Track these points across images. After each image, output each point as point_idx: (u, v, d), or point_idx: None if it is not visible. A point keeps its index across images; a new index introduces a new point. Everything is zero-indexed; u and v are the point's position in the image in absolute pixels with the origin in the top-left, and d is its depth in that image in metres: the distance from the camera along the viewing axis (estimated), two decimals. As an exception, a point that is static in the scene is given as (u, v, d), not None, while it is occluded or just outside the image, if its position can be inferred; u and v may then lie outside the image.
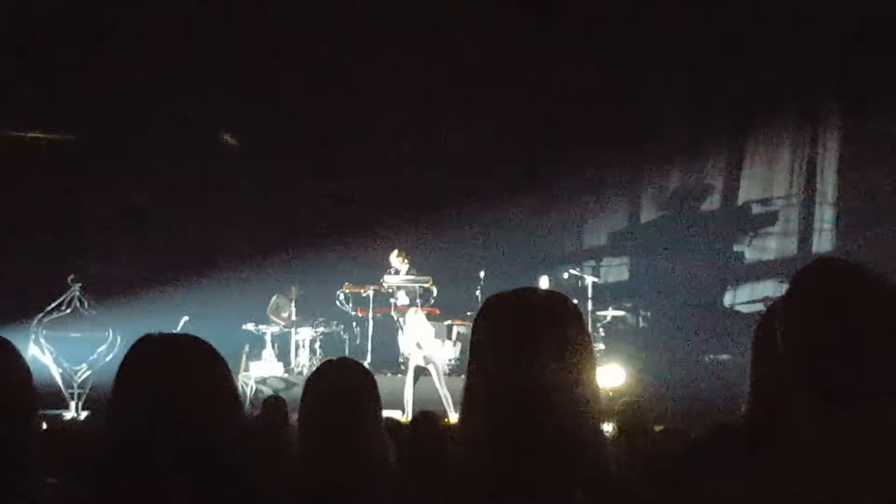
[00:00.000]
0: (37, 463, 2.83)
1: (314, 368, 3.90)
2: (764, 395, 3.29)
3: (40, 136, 16.95)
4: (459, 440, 2.55)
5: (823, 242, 17.47)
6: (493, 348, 2.52)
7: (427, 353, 14.63)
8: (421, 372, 14.57)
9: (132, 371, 2.70)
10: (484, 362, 2.51)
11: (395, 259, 16.63)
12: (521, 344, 2.46)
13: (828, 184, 17.74)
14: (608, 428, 10.23)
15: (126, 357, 2.74)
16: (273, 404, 9.54)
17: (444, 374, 14.78)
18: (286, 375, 15.92)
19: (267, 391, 14.48)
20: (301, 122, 17.66)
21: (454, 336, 16.66)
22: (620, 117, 17.34)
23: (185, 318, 14.29)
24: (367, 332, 16.37)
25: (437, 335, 16.52)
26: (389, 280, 16.62)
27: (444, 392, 14.20)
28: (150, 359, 2.73)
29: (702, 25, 16.72)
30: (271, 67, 17.14)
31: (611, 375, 15.32)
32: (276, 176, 17.38)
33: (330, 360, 3.88)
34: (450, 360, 15.90)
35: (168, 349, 2.75)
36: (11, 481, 2.80)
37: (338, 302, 16.82)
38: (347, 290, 16.86)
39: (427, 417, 8.81)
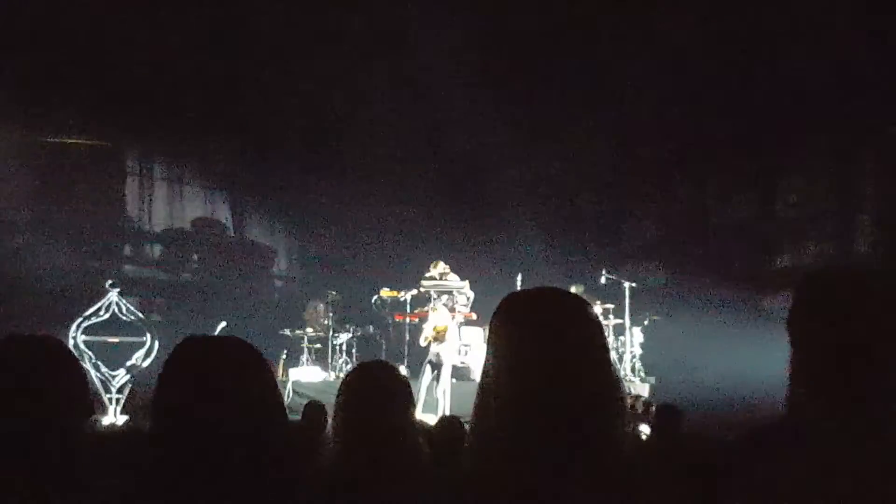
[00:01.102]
0: (86, 465, 2.84)
1: (348, 370, 3.92)
2: (799, 398, 3.33)
3: (81, 141, 17.03)
4: (471, 439, 2.55)
5: (861, 248, 17.36)
6: (508, 348, 2.51)
7: (441, 350, 14.64)
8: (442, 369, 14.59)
9: (176, 373, 2.69)
10: (499, 362, 2.51)
11: (434, 269, 16.66)
12: (537, 344, 2.46)
13: (866, 189, 17.64)
14: (645, 430, 10.22)
15: (169, 359, 2.73)
16: (313, 409, 9.58)
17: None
18: (323, 380, 15.95)
19: (304, 396, 14.51)
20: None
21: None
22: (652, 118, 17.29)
23: (223, 323, 14.35)
24: (404, 336, 16.38)
25: (474, 340, 16.55)
26: (426, 284, 16.63)
27: (440, 393, 14.24)
28: (194, 361, 2.71)
29: (727, 34, 16.72)
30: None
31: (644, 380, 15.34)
32: (308, 180, 17.39)
33: (365, 363, 3.89)
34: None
35: (212, 351, 2.73)
36: (64, 483, 2.82)
37: (374, 307, 16.84)
38: (384, 295, 16.88)
39: (449, 421, 8.85)
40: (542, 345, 2.45)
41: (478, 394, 2.53)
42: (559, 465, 2.37)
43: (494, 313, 2.60)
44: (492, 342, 2.56)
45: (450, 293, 16.54)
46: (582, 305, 2.57)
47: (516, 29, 17.32)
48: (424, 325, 15.06)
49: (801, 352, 2.40)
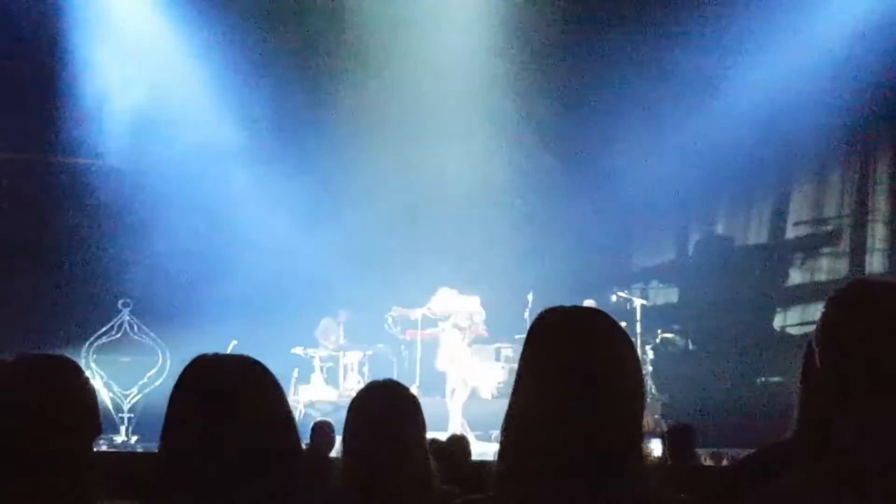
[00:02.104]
0: (94, 485, 2.84)
1: (359, 390, 3.91)
2: (810, 417, 3.27)
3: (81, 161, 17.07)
4: (501, 460, 2.50)
5: (876, 262, 17.33)
6: (544, 368, 2.48)
7: (461, 373, 14.65)
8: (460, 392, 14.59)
9: (187, 392, 2.69)
10: (536, 381, 2.47)
11: (443, 292, 16.68)
12: (577, 363, 2.43)
13: (879, 202, 17.61)
14: (657, 449, 10.19)
15: (180, 378, 2.72)
16: (321, 428, 9.58)
17: (493, 397, 14.79)
18: (334, 399, 15.95)
19: (315, 415, 14.51)
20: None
21: (502, 359, 16.64)
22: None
23: (234, 341, 14.34)
24: (416, 355, 16.35)
25: (485, 358, 16.53)
26: (437, 303, 16.61)
27: (458, 414, 14.27)
28: (204, 379, 2.70)
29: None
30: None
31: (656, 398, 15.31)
32: (323, 199, 17.39)
33: (375, 382, 3.88)
34: (498, 384, 15.88)
35: (223, 370, 2.73)
36: (72, 501, 2.80)
37: (386, 325, 16.81)
38: (396, 314, 16.86)
39: (456, 439, 8.89)
40: (578, 366, 2.43)
41: (509, 413, 2.50)
42: (590, 485, 2.34)
43: (531, 329, 2.55)
44: (526, 361, 2.52)
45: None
46: (616, 326, 2.55)
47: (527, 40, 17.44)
48: (438, 350, 15.09)
49: (831, 368, 2.31)
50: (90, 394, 2.98)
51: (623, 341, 2.52)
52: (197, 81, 17.16)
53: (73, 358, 3.03)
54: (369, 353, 16.97)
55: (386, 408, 3.67)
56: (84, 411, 2.91)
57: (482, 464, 9.24)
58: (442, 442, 8.48)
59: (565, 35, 17.35)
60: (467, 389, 14.61)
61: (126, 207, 16.85)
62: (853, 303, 2.32)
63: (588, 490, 2.34)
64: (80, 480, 2.80)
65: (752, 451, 3.76)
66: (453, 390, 14.66)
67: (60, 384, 2.89)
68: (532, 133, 17.75)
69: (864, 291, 2.33)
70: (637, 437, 2.44)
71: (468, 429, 13.81)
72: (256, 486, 2.58)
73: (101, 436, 2.96)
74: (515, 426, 2.47)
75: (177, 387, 2.71)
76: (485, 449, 12.65)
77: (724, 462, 10.73)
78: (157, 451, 2.69)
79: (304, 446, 2.97)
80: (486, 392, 16.10)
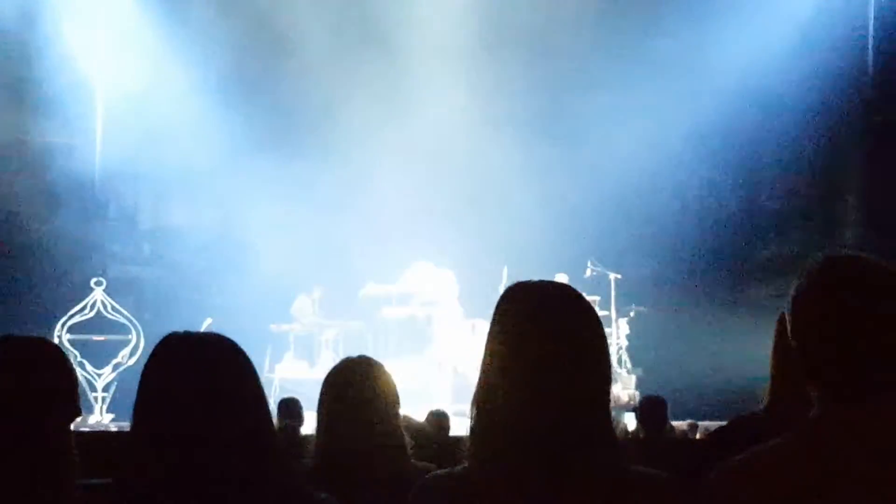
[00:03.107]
0: (72, 465, 2.85)
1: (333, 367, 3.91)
2: (781, 389, 3.39)
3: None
4: (471, 438, 2.54)
5: (848, 235, 17.41)
6: (513, 341, 2.50)
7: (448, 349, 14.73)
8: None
9: (158, 370, 2.67)
10: (503, 355, 2.50)
11: (418, 266, 16.72)
12: (541, 337, 2.45)
13: (852, 176, 17.70)
14: (631, 423, 10.24)
15: (151, 356, 2.71)
16: (288, 405, 9.58)
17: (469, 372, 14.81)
18: (309, 376, 15.93)
19: (291, 391, 14.49)
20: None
21: (476, 334, 16.67)
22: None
23: (209, 319, 14.30)
24: (391, 330, 16.37)
25: (460, 333, 16.56)
26: (411, 280, 16.66)
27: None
28: (176, 357, 2.69)
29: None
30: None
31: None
32: (298, 173, 17.34)
33: (349, 358, 3.89)
34: (474, 359, 15.91)
35: (194, 347, 2.72)
36: (52, 483, 2.82)
37: (360, 302, 16.84)
38: (370, 291, 16.86)
39: (437, 415, 8.93)
40: (543, 338, 2.45)
41: (477, 390, 2.53)
42: (559, 459, 2.37)
43: (497, 305, 2.59)
44: (493, 335, 2.56)
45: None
46: (581, 299, 2.57)
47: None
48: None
49: (800, 340, 2.32)
50: (70, 375, 2.97)
51: (587, 313, 2.53)
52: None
53: (45, 337, 3.04)
54: (348, 331, 16.94)
55: (359, 383, 3.68)
56: (63, 393, 2.90)
57: (459, 440, 9.27)
58: (418, 421, 8.53)
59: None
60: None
61: (90, 185, 16.75)
62: (825, 276, 2.33)
63: (558, 464, 2.36)
64: (59, 462, 2.80)
65: (725, 423, 3.80)
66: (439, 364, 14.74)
67: (39, 366, 2.89)
68: (508, 105, 17.68)
69: (836, 265, 2.33)
70: (604, 410, 2.45)
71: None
72: (229, 465, 2.57)
73: (77, 416, 2.98)
74: (483, 402, 2.50)
75: (148, 366, 2.69)
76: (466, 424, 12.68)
77: (699, 434, 10.82)
78: (129, 428, 2.67)
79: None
80: (464, 367, 16.15)
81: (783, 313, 2.80)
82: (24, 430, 2.78)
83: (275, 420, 3.32)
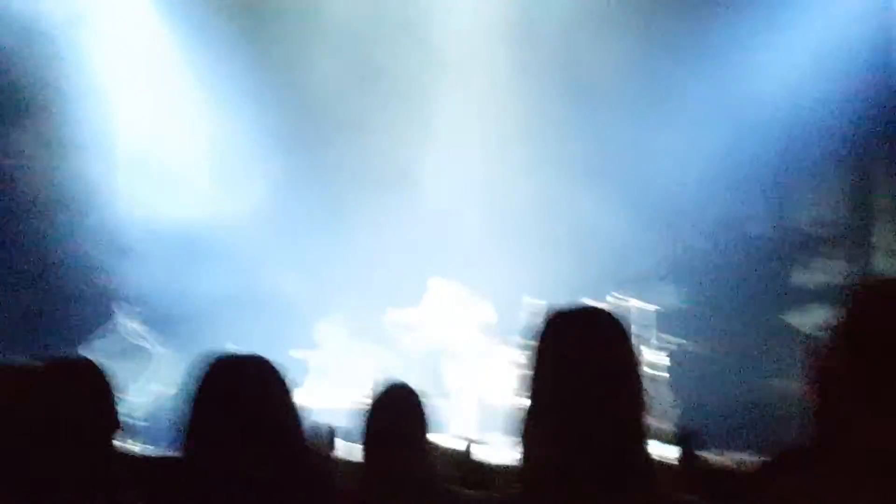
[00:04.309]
0: (116, 482, 2.98)
1: (363, 393, 3.95)
2: (825, 418, 3.20)
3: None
4: (519, 460, 2.55)
5: (880, 264, 17.29)
6: (554, 367, 2.51)
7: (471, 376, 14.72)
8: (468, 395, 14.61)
9: (205, 391, 2.76)
10: (544, 382, 2.52)
11: (438, 285, 16.68)
12: (584, 364, 2.48)
13: (883, 202, 17.60)
14: (667, 452, 10.12)
15: (197, 378, 2.79)
16: (320, 430, 9.50)
17: (496, 400, 14.79)
18: (332, 403, 15.86)
19: (314, 418, 14.41)
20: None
21: (501, 360, 16.59)
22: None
23: (231, 345, 14.24)
24: (413, 357, 16.34)
25: (486, 359, 16.51)
26: (433, 305, 16.63)
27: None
28: (223, 379, 2.79)
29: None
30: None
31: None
32: (320, 197, 17.36)
33: (381, 383, 3.97)
34: (500, 386, 15.85)
35: (239, 369, 2.84)
36: (96, 499, 2.96)
37: (382, 328, 16.83)
38: (393, 317, 16.85)
39: (459, 441, 8.96)
40: (583, 364, 2.47)
41: (522, 415, 2.54)
42: (598, 483, 2.39)
43: (538, 332, 2.60)
44: (536, 357, 2.56)
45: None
46: (620, 325, 2.61)
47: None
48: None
49: (848, 364, 2.27)
50: (108, 391, 3.20)
51: (624, 341, 2.57)
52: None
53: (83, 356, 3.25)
54: (370, 358, 16.89)
55: (393, 406, 3.77)
56: (103, 408, 3.14)
57: (483, 465, 9.26)
58: (442, 445, 8.46)
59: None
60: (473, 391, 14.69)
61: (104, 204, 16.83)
62: (878, 300, 2.26)
63: (600, 491, 2.40)
64: (103, 477, 3.00)
65: (764, 454, 3.81)
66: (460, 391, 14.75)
67: (84, 385, 3.11)
68: (536, 130, 17.64)
69: (883, 288, 2.26)
70: (643, 438, 2.52)
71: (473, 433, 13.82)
72: (271, 487, 2.63)
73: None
74: (528, 431, 2.53)
75: (197, 387, 2.78)
76: (491, 451, 12.62)
77: (735, 465, 10.76)
78: (174, 453, 2.77)
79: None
80: (489, 395, 16.10)
81: (822, 341, 2.73)
82: (69, 445, 2.94)
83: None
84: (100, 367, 3.29)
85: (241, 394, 2.72)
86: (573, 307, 2.66)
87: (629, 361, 2.54)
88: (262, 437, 2.66)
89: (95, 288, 16.18)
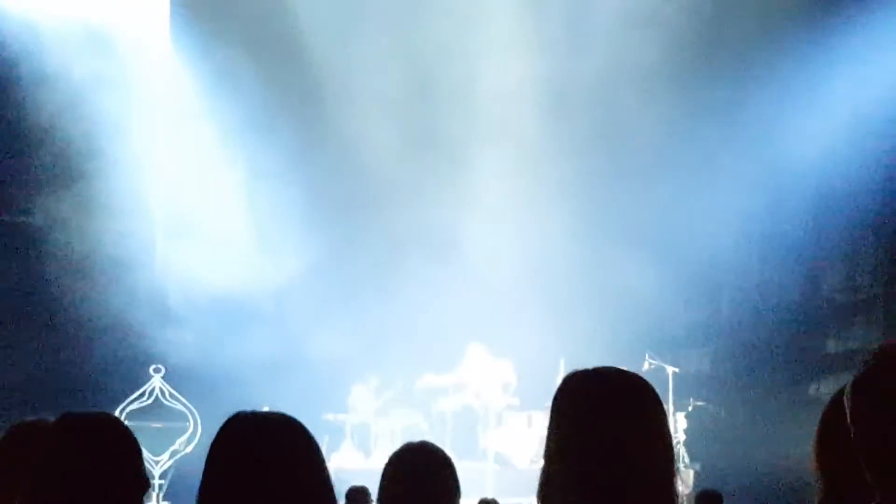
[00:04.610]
0: None
1: (391, 455, 3.88)
2: (835, 484, 3.24)
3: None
4: None
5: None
6: (574, 430, 2.48)
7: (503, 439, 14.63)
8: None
9: (226, 449, 2.65)
10: (565, 444, 2.48)
11: (474, 350, 16.68)
12: (605, 428, 2.44)
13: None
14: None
15: (220, 434, 2.69)
16: (356, 493, 9.53)
17: (527, 465, 14.75)
18: (365, 467, 15.85)
19: (346, 482, 14.40)
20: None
21: (533, 426, 16.54)
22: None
23: (266, 407, 14.27)
24: (447, 421, 16.30)
25: (517, 426, 16.46)
26: (467, 371, 16.63)
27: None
28: (246, 436, 2.67)
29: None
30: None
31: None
32: (352, 260, 17.40)
33: (410, 444, 3.86)
34: (531, 451, 15.80)
35: (264, 429, 2.70)
36: None
37: (417, 392, 16.81)
38: (426, 382, 16.83)
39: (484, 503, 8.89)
40: (604, 425, 2.44)
41: (541, 472, 2.51)
42: None
43: (557, 391, 2.60)
44: (554, 421, 2.54)
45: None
46: (645, 387, 2.57)
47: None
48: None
49: (861, 429, 2.26)
50: (135, 448, 3.00)
51: (647, 401, 2.53)
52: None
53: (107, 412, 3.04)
54: (404, 421, 16.87)
55: (421, 469, 3.65)
56: (131, 467, 2.93)
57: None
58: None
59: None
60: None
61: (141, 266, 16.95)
62: (886, 363, 2.28)
63: None
64: None
65: None
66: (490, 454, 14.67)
67: (106, 442, 2.90)
68: (566, 192, 17.64)
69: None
70: (670, 495, 2.44)
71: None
72: None
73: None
74: (550, 491, 2.47)
75: (215, 443, 2.68)
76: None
77: None
78: None
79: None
80: (520, 460, 16.05)
81: (830, 406, 2.76)
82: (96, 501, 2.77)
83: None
84: (122, 423, 3.09)
85: (262, 452, 2.59)
86: (590, 370, 2.61)
87: (651, 424, 2.48)
88: (284, 496, 2.56)
89: (134, 350, 16.24)
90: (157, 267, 17.21)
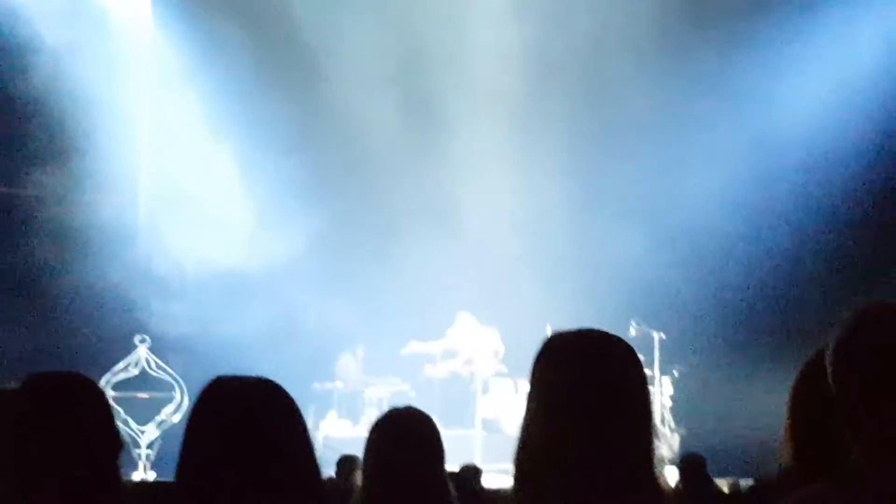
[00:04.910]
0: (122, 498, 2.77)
1: (375, 421, 3.86)
2: (808, 441, 3.23)
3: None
4: (515, 491, 2.50)
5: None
6: (552, 393, 2.48)
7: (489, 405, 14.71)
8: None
9: (206, 413, 2.64)
10: (543, 408, 2.49)
11: (463, 318, 16.73)
12: (583, 390, 2.42)
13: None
14: (672, 479, 10.18)
15: (199, 399, 2.67)
16: (347, 462, 9.58)
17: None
18: (353, 434, 15.90)
19: (334, 450, 14.46)
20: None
21: (521, 393, 16.60)
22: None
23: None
24: (435, 389, 16.34)
25: (504, 392, 16.52)
26: (454, 338, 16.66)
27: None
28: (225, 401, 2.65)
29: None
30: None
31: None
32: (339, 231, 17.37)
33: (395, 408, 3.84)
34: (519, 417, 15.90)
35: (244, 393, 2.68)
36: None
37: (404, 360, 16.85)
38: (413, 349, 16.86)
39: (470, 470, 8.90)
40: (583, 388, 2.43)
41: (520, 442, 2.51)
42: None
43: (538, 352, 2.57)
44: (534, 381, 2.54)
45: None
46: (626, 349, 2.57)
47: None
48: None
49: (843, 387, 2.27)
50: (107, 408, 2.92)
51: (627, 361, 2.53)
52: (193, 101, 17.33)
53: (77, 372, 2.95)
54: (392, 388, 16.91)
55: (405, 433, 3.63)
56: (104, 427, 2.84)
57: (496, 493, 9.29)
58: (453, 472, 8.50)
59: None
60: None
61: (128, 239, 16.90)
62: (869, 321, 2.31)
63: None
64: (106, 499, 2.76)
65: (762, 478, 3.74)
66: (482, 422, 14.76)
67: (76, 401, 2.82)
68: (553, 159, 17.62)
69: (879, 310, 2.31)
70: (649, 462, 2.43)
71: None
72: None
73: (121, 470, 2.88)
74: (526, 455, 2.47)
75: (195, 408, 2.66)
76: (506, 482, 12.65)
77: (733, 488, 10.88)
78: (174, 479, 2.63)
79: (325, 479, 2.92)
80: (508, 427, 16.11)
81: (806, 366, 2.79)
82: (70, 472, 2.70)
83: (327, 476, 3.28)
84: (92, 382, 2.95)
85: (241, 416, 2.56)
86: (572, 331, 2.61)
87: (631, 385, 2.47)
88: (263, 460, 2.52)
89: (121, 320, 16.23)
90: (147, 239, 17.14)
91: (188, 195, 16.80)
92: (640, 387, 2.50)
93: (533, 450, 2.45)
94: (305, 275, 16.73)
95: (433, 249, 16.99)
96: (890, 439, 2.19)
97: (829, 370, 2.31)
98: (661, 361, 16.21)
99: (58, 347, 15.47)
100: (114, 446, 2.85)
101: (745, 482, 11.33)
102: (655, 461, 2.45)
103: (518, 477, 2.49)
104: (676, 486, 9.13)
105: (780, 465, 3.33)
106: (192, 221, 16.50)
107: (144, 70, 17.40)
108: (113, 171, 16.83)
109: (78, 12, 16.48)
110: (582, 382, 2.44)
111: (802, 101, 16.73)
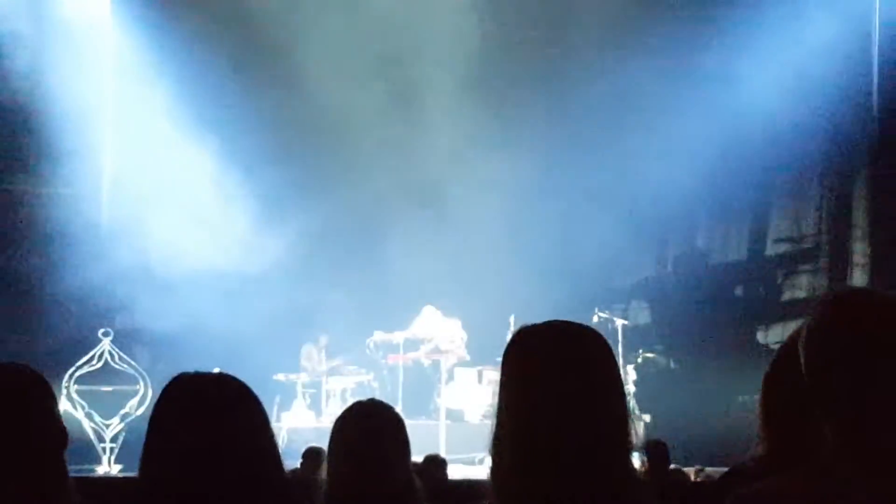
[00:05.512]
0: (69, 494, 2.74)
1: (340, 413, 3.87)
2: (782, 429, 3.25)
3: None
4: (490, 475, 2.51)
5: (857, 279, 17.32)
6: (520, 381, 2.50)
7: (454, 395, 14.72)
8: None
9: (168, 410, 2.65)
10: (515, 400, 2.49)
11: (428, 311, 16.74)
12: (554, 380, 2.44)
13: (858, 218, 17.64)
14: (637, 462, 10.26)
15: (161, 396, 2.68)
16: (312, 454, 9.56)
17: (479, 420, 14.85)
18: (317, 425, 15.88)
19: (298, 441, 14.45)
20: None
21: (484, 382, 16.62)
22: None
23: (217, 369, 14.22)
24: (399, 379, 16.35)
25: (468, 381, 16.55)
26: (419, 327, 16.67)
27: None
28: (186, 398, 2.66)
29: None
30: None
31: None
32: (303, 220, 17.29)
33: (359, 402, 3.85)
34: (482, 406, 15.89)
35: (204, 388, 2.69)
36: None
37: (367, 350, 16.82)
38: (377, 339, 16.86)
39: (434, 461, 8.89)
40: (554, 378, 2.44)
41: (494, 435, 2.52)
42: (571, 500, 2.36)
43: (508, 346, 2.59)
44: (504, 376, 2.54)
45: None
46: (596, 337, 2.60)
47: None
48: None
49: (815, 376, 2.29)
50: (51, 398, 2.86)
51: (600, 351, 2.56)
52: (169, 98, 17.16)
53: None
54: (356, 378, 16.90)
55: (370, 427, 3.63)
56: (47, 418, 2.79)
57: (461, 484, 9.28)
58: (418, 463, 8.51)
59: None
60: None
61: (92, 235, 16.77)
62: (840, 310, 2.32)
63: (568, 500, 2.35)
64: (54, 494, 2.72)
65: (728, 468, 3.76)
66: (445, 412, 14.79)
67: (17, 392, 2.77)
68: (516, 147, 17.60)
69: (849, 299, 2.34)
70: (624, 448, 2.47)
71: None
72: None
73: (84, 466, 2.85)
74: (500, 447, 2.48)
75: (157, 405, 2.67)
76: (470, 472, 12.66)
77: (698, 476, 10.94)
78: (137, 475, 2.64)
79: (290, 472, 2.93)
80: (471, 416, 16.15)
81: (779, 354, 2.83)
82: (10, 465, 2.65)
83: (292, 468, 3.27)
84: (36, 371, 2.86)
85: (202, 412, 2.58)
86: (541, 324, 2.60)
87: (604, 374, 2.50)
88: (225, 455, 2.53)
89: (86, 313, 16.14)
90: (115, 235, 16.97)
91: (157, 192, 16.71)
92: (611, 373, 2.53)
93: (507, 440, 2.46)
94: (267, 264, 16.65)
95: (402, 240, 16.97)
96: (862, 424, 2.22)
97: (801, 358, 2.33)
98: (625, 348, 16.26)
99: (40, 346, 15.45)
100: (59, 440, 2.80)
101: (712, 470, 11.39)
102: (630, 446, 2.48)
103: (494, 467, 2.50)
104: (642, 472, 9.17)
105: (753, 452, 3.35)
106: (160, 217, 16.40)
107: (106, 66, 17.21)
108: (79, 169, 16.68)
109: (35, 9, 16.31)
110: (553, 371, 2.46)
111: (762, 82, 16.77)
